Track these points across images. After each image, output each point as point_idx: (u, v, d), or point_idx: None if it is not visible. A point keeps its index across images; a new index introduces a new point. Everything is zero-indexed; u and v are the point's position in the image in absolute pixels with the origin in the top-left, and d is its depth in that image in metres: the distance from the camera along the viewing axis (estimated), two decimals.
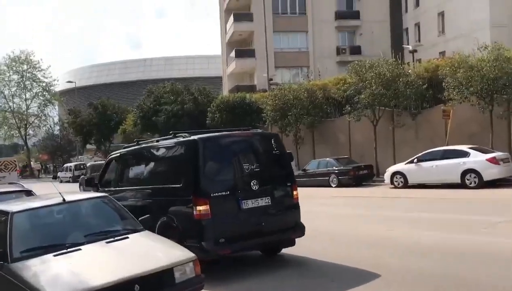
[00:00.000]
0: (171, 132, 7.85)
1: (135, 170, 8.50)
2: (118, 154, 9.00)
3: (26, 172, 59.25)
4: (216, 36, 49.86)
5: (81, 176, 32.62)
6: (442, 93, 18.98)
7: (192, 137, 7.01)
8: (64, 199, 5.71)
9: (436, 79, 19.91)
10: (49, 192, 6.74)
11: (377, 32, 38.07)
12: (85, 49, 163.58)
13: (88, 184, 9.97)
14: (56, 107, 65.31)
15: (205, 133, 7.39)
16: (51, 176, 52.43)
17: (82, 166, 39.80)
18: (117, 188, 8.51)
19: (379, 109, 21.27)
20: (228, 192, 6.71)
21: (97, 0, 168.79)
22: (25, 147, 64.40)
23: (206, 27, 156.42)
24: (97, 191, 8.81)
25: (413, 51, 27.03)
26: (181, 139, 7.25)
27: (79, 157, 53.97)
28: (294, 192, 7.40)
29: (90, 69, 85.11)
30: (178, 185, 6.90)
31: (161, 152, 7.81)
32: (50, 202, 5.84)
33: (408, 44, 33.17)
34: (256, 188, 6.88)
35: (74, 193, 7.20)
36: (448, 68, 18.25)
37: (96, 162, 34.45)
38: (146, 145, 8.44)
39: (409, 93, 20.00)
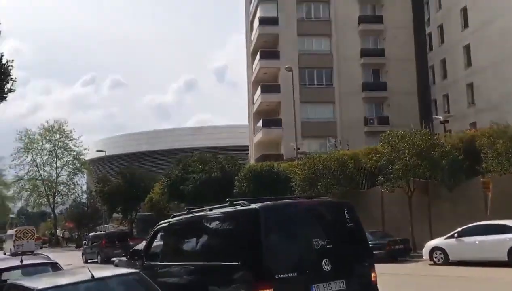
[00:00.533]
0: (227, 199, 6.99)
1: (185, 243, 7.60)
2: (167, 224, 8.18)
3: (52, 241, 59.25)
4: (243, 106, 50.87)
5: (84, 246, 32.58)
6: (479, 164, 18.27)
7: (252, 206, 6.11)
8: (92, 276, 5.29)
9: (473, 150, 19.28)
10: (75, 265, 6.33)
11: (404, 103, 38.05)
12: (114, 122, 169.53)
13: (132, 257, 9.02)
14: (85, 175, 66.42)
15: (266, 201, 6.45)
16: (74, 245, 52.14)
17: None
18: (164, 263, 7.62)
19: (414, 180, 20.57)
20: (295, 274, 5.72)
21: (131, 74, 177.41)
22: (52, 215, 64.87)
23: (233, 97, 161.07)
24: (143, 264, 8.08)
25: (445, 122, 26.68)
26: (239, 207, 6.38)
27: (105, 225, 53.84)
28: (373, 274, 6.32)
29: (120, 138, 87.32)
30: (236, 263, 5.95)
31: (215, 222, 6.91)
32: (77, 278, 5.46)
33: (437, 115, 32.90)
34: (329, 268, 5.86)
35: (103, 267, 6.76)
36: (486, 139, 17.71)
37: (96, 233, 34.70)
38: (198, 213, 7.53)
39: (445, 163, 19.36)
